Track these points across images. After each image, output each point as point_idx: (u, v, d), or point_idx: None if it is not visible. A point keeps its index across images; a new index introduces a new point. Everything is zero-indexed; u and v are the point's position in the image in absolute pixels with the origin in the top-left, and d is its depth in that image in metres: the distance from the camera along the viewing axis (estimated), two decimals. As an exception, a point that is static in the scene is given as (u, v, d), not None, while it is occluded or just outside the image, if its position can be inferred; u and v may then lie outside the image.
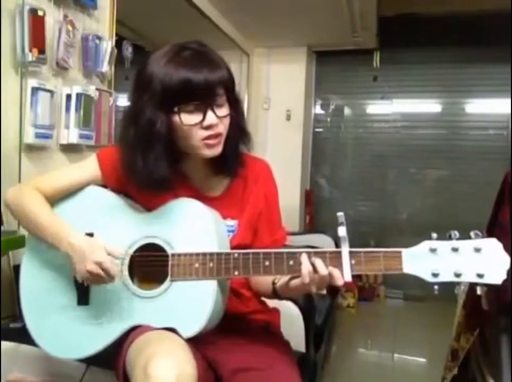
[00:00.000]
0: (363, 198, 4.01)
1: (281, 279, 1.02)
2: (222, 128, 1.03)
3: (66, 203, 1.12)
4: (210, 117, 0.99)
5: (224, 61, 1.03)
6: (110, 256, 1.00)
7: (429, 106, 3.85)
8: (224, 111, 1.02)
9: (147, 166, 1.00)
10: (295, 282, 0.98)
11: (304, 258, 0.93)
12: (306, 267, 0.92)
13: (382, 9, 3.20)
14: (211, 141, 1.02)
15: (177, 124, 1.00)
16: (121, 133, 1.07)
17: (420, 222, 3.68)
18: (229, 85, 1.03)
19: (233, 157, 1.09)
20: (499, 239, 0.89)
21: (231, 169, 1.11)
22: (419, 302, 3.54)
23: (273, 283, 1.05)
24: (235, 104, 1.06)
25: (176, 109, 0.98)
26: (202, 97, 0.98)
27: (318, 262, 0.92)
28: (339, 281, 0.92)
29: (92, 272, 0.98)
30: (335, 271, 0.92)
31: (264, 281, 1.09)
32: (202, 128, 1.00)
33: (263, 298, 1.23)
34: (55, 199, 1.11)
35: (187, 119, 0.99)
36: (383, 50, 3.77)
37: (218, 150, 1.04)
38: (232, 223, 1.12)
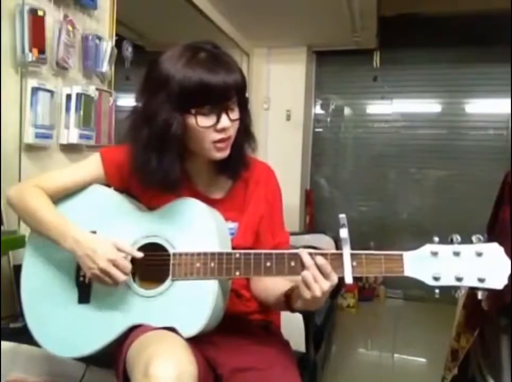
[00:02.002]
0: (363, 198, 4.00)
1: (294, 290, 1.00)
2: (233, 131, 1.03)
3: (68, 202, 1.12)
4: (224, 120, 0.99)
5: (237, 63, 1.03)
6: (121, 253, 1.00)
7: (429, 106, 3.84)
8: (235, 114, 1.03)
9: (163, 167, 1.00)
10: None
11: (303, 253, 0.93)
12: (307, 260, 0.92)
13: (382, 9, 3.20)
14: (221, 145, 1.02)
15: (191, 126, 0.99)
16: (132, 133, 1.05)
17: (421, 222, 3.68)
18: (241, 88, 1.03)
19: (239, 159, 1.09)
20: (499, 239, 0.90)
21: (235, 171, 1.11)
22: (419, 302, 3.55)
23: (286, 295, 1.02)
24: (244, 106, 1.06)
25: (193, 111, 0.98)
26: (218, 100, 0.98)
27: (318, 257, 0.92)
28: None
29: (104, 270, 0.97)
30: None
31: (276, 291, 1.06)
32: (215, 130, 1.00)
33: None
34: (57, 198, 1.11)
35: (202, 121, 0.99)
36: (383, 50, 3.77)
37: (226, 153, 1.04)
38: (233, 225, 1.12)
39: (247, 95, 1.08)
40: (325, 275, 0.91)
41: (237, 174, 1.12)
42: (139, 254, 1.02)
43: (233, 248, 1.06)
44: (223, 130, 1.00)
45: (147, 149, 1.01)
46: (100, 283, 1.01)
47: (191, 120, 0.99)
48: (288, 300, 1.02)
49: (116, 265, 0.98)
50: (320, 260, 0.91)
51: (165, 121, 0.97)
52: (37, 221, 1.06)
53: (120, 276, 0.98)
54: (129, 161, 1.05)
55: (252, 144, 1.12)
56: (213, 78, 0.95)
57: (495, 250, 0.88)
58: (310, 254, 0.93)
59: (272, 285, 1.08)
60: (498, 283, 0.87)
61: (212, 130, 1.00)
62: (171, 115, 0.97)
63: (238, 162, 1.09)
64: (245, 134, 1.09)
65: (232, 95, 1.00)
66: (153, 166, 1.00)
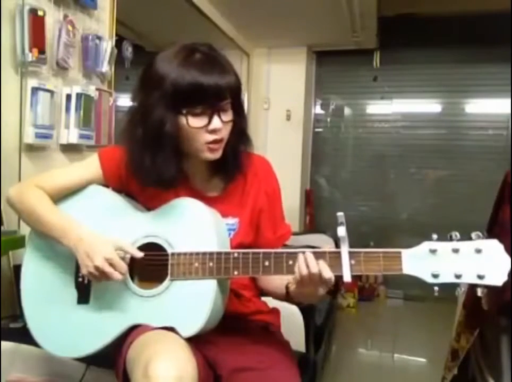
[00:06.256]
0: (363, 198, 4.00)
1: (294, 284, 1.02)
2: (225, 133, 1.04)
3: (67, 202, 1.12)
4: (216, 122, 1.00)
5: (232, 66, 1.04)
6: (120, 252, 1.00)
7: (429, 106, 3.85)
8: (228, 116, 1.03)
9: (156, 166, 1.01)
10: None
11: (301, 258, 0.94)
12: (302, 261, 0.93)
13: (382, 9, 3.20)
14: (213, 146, 1.03)
15: (183, 126, 1.00)
16: (127, 131, 1.06)
17: (421, 222, 3.67)
18: (235, 90, 1.03)
19: (233, 161, 1.09)
20: (499, 239, 0.89)
21: (229, 173, 1.11)
22: (419, 302, 3.54)
23: (287, 287, 1.04)
24: (238, 109, 1.07)
25: (184, 111, 0.99)
26: (210, 101, 0.99)
27: (310, 258, 0.92)
28: (326, 274, 0.91)
29: (99, 268, 0.97)
30: (322, 264, 0.91)
31: (276, 284, 1.09)
32: (207, 131, 1.01)
33: (263, 299, 1.24)
34: (56, 198, 1.11)
35: (194, 122, 1.00)
36: (383, 50, 3.77)
37: (218, 154, 1.05)
38: (233, 221, 1.12)
39: (242, 97, 1.09)
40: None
41: (231, 176, 1.12)
42: (140, 254, 1.02)
43: (235, 244, 1.07)
44: (214, 131, 1.01)
45: (142, 148, 1.02)
46: (96, 281, 1.01)
47: (182, 120, 1.00)
48: (288, 289, 1.03)
49: (112, 264, 0.98)
50: (313, 268, 0.91)
51: (159, 120, 0.99)
52: (39, 220, 1.06)
53: (116, 275, 0.98)
54: (126, 161, 1.06)
55: (247, 146, 1.12)
56: (206, 79, 0.96)
57: (494, 246, 0.88)
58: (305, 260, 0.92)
59: None
60: (498, 280, 0.87)
61: (204, 131, 1.01)
62: (164, 115, 0.98)
63: (231, 164, 1.10)
64: (239, 136, 1.09)
65: (225, 97, 1.00)
66: (148, 165, 1.02)
